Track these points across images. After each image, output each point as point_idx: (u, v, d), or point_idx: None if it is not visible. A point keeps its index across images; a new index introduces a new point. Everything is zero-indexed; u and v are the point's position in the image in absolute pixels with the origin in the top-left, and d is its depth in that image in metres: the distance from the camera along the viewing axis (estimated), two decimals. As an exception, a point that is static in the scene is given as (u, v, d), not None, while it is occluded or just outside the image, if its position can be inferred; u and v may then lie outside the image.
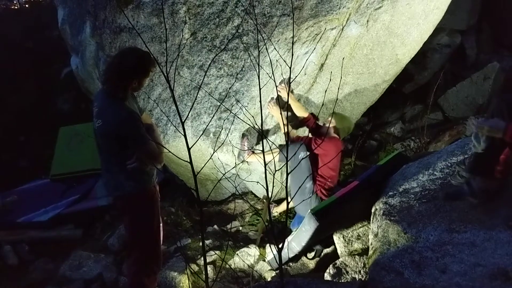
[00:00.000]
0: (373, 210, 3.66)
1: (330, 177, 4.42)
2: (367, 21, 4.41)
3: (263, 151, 2.68)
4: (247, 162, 4.62)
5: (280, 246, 2.48)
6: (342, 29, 4.39)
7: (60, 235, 5.38)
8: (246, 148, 4.53)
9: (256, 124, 4.10)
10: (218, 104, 4.35)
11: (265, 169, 2.44)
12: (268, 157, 4.38)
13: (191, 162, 2.29)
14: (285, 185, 2.53)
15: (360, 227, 4.02)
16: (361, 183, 3.92)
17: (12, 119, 9.46)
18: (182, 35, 4.29)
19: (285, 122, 4.13)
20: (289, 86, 4.47)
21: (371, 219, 3.63)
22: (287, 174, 2.37)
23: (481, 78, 6.28)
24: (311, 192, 4.33)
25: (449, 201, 3.09)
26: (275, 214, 5.08)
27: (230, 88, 4.31)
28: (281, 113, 4.25)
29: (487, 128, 2.75)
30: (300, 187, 4.07)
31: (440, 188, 3.37)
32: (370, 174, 4.08)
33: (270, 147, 4.43)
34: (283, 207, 5.05)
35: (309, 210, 3.75)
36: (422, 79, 6.87)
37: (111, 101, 3.06)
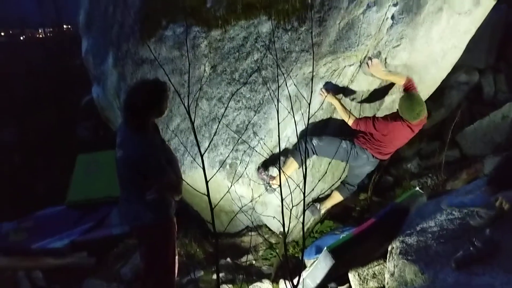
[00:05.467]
0: (389, 249, 3.60)
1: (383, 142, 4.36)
2: (385, 58, 4.44)
3: (279, 170, 2.62)
4: (268, 189, 4.57)
5: (295, 282, 2.44)
6: (360, 66, 4.43)
7: (74, 262, 5.37)
8: (265, 177, 4.50)
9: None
10: (235, 136, 4.38)
11: (282, 204, 2.43)
12: (291, 168, 4.38)
13: (208, 196, 2.29)
14: (302, 220, 2.52)
15: (376, 266, 3.94)
16: (378, 221, 3.88)
17: (31, 145, 9.64)
18: (204, 69, 4.36)
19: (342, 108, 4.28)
20: (308, 121, 4.48)
21: (388, 257, 3.58)
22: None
23: (499, 117, 6.24)
24: (351, 147, 4.34)
25: (463, 268, 2.95)
26: (323, 211, 4.96)
27: (248, 120, 4.34)
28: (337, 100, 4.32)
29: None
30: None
31: (459, 229, 3.31)
32: (387, 212, 4.04)
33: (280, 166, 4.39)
34: (331, 201, 4.90)
35: (325, 248, 3.71)
36: (439, 116, 6.86)
37: (133, 133, 3.10)
